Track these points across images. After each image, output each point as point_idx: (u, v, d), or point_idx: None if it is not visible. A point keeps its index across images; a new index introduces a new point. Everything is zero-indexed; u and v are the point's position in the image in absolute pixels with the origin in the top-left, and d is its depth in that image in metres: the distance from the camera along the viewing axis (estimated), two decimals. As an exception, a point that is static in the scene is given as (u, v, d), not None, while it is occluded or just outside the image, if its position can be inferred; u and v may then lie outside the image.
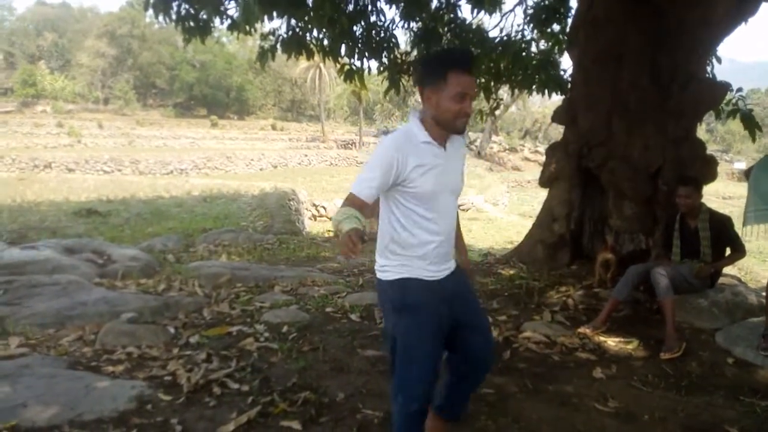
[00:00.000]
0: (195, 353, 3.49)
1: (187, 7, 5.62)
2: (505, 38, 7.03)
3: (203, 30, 5.82)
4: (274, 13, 5.65)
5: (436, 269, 2.07)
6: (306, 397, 2.91)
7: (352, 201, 1.91)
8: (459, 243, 2.36)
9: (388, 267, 2.07)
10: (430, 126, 2.00)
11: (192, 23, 5.72)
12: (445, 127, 1.99)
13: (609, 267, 4.84)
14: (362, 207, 1.90)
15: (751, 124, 5.40)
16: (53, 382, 2.94)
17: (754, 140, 5.53)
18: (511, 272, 5.76)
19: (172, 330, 3.93)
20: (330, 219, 20.94)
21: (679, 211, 4.16)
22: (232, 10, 5.78)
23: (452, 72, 1.91)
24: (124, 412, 2.69)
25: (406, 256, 2.03)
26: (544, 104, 50.21)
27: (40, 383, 2.91)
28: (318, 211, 21.25)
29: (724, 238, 4.04)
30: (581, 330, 4.04)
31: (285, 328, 3.98)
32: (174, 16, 5.57)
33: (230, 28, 5.92)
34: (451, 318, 2.08)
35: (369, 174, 1.93)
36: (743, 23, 5.16)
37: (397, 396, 2.06)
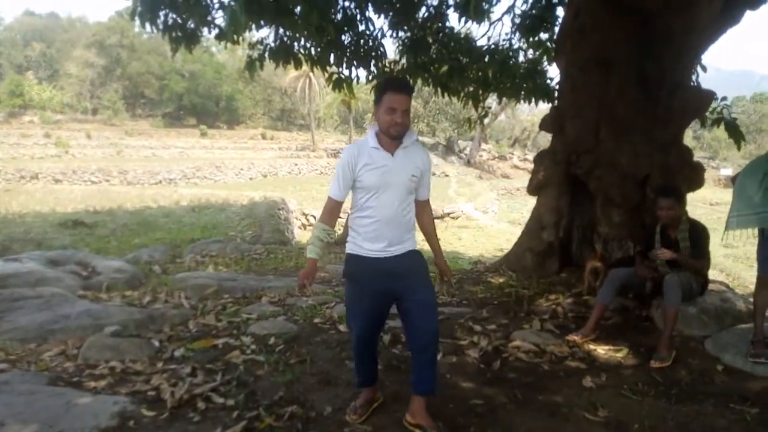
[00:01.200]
0: (180, 367, 3.43)
1: (173, 16, 5.58)
2: (492, 47, 7.05)
3: (190, 39, 5.77)
4: (262, 22, 5.63)
5: (372, 247, 2.62)
6: (293, 411, 2.86)
7: (328, 204, 2.73)
8: (433, 246, 2.90)
9: (348, 244, 2.74)
10: (381, 136, 2.62)
11: (179, 33, 5.68)
12: (384, 133, 2.59)
13: (598, 275, 4.83)
14: (335, 206, 2.71)
15: (735, 133, 5.45)
16: (33, 398, 2.87)
17: (739, 148, 5.59)
18: (501, 280, 5.74)
19: (156, 343, 3.86)
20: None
21: (660, 222, 4.12)
22: (220, 19, 5.75)
23: (387, 93, 2.54)
24: (106, 429, 2.63)
25: (354, 235, 2.69)
26: (533, 112, 50.48)
27: (20, 400, 2.84)
28: (308, 220, 21.17)
29: (698, 246, 4.02)
30: (570, 337, 4.02)
31: (272, 340, 3.93)
32: (161, 26, 5.52)
33: (218, 37, 5.89)
34: (394, 291, 2.63)
35: (336, 178, 2.65)
36: (727, 31, 5.21)
37: (351, 335, 2.82)
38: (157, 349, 3.78)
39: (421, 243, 2.80)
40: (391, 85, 2.60)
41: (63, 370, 3.41)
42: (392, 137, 2.58)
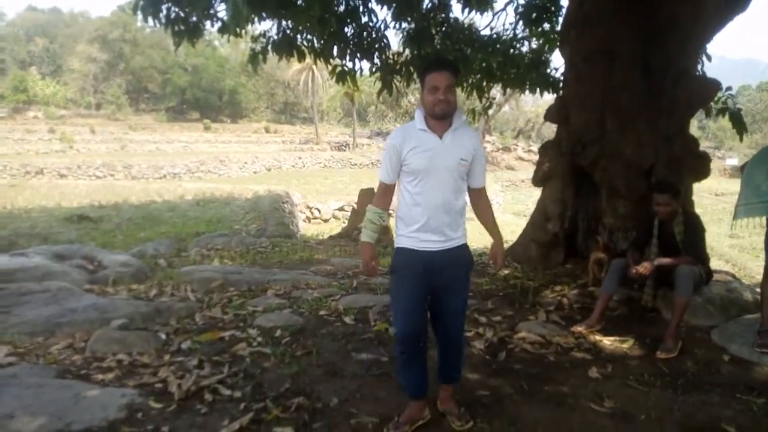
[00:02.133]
0: (186, 359, 3.44)
1: (176, 10, 5.57)
2: (495, 37, 7.02)
3: (193, 33, 5.76)
4: (264, 15, 5.62)
5: (424, 240, 2.52)
6: (299, 402, 2.87)
7: (381, 187, 2.63)
8: (492, 235, 2.80)
9: (396, 237, 2.63)
10: (429, 119, 2.51)
11: (182, 26, 5.67)
12: (430, 114, 2.48)
13: (602, 266, 4.81)
14: (386, 189, 2.62)
15: (739, 123, 5.42)
16: (41, 391, 2.89)
17: (741, 140, 5.57)
18: (506, 272, 5.73)
19: (163, 336, 3.88)
20: (324, 221, 20.92)
21: (656, 216, 4.06)
22: (222, 12, 5.74)
23: (428, 74, 2.46)
24: (114, 422, 2.64)
25: (401, 227, 2.59)
26: (537, 103, 50.30)
27: (28, 393, 2.86)
28: (312, 213, 21.22)
29: (691, 238, 3.99)
30: (576, 328, 4.01)
31: (278, 333, 3.94)
32: (163, 20, 5.51)
33: (220, 30, 5.88)
34: (433, 286, 2.56)
35: (384, 162, 2.57)
36: (733, 19, 5.16)
37: (394, 330, 2.65)
38: (164, 341, 3.80)
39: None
40: (432, 65, 2.52)
41: (71, 363, 3.42)
42: (438, 117, 2.45)
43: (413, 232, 2.52)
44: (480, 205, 2.74)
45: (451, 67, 2.50)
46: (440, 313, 2.65)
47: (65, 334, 3.88)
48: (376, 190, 2.66)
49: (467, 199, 2.67)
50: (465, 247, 2.64)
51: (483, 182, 2.69)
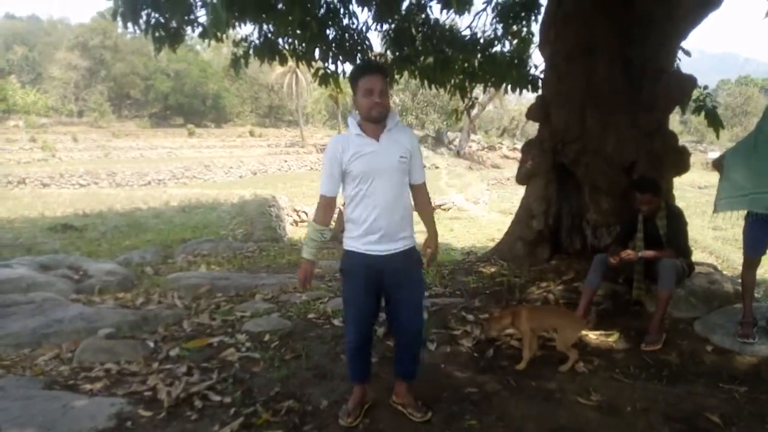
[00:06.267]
0: (175, 366, 3.44)
1: (156, 15, 5.54)
2: (476, 37, 7.06)
3: (173, 38, 5.74)
4: (244, 19, 5.60)
5: (373, 246, 2.58)
6: (289, 406, 2.89)
7: (322, 202, 2.66)
8: (428, 229, 2.87)
9: (345, 239, 2.69)
10: (364, 123, 2.58)
11: (162, 32, 5.64)
12: (366, 118, 2.54)
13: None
14: (328, 203, 2.67)
15: (715, 121, 5.51)
16: (29, 403, 2.87)
17: (718, 137, 5.64)
18: (492, 270, 5.78)
19: (151, 344, 3.87)
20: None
21: (639, 212, 4.09)
22: (202, 17, 5.72)
23: (360, 77, 2.51)
24: (103, 431, 2.64)
25: (351, 228, 2.64)
26: (521, 102, 50.58)
27: (16, 405, 2.84)
28: (299, 216, 21.14)
29: (673, 229, 4.05)
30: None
31: (267, 337, 3.95)
32: (143, 26, 5.48)
33: (201, 35, 5.86)
34: (385, 286, 2.63)
35: (325, 173, 2.60)
36: (708, 16, 5.24)
37: (345, 335, 2.82)
38: (152, 349, 3.79)
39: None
40: (364, 69, 2.63)
41: (58, 373, 3.41)
42: (375, 120, 2.53)
43: (361, 234, 2.59)
44: (420, 200, 2.80)
45: (383, 71, 2.62)
46: (398, 308, 2.69)
47: (52, 344, 3.86)
48: (317, 205, 2.68)
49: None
50: (414, 250, 2.70)
51: (423, 178, 2.76)
